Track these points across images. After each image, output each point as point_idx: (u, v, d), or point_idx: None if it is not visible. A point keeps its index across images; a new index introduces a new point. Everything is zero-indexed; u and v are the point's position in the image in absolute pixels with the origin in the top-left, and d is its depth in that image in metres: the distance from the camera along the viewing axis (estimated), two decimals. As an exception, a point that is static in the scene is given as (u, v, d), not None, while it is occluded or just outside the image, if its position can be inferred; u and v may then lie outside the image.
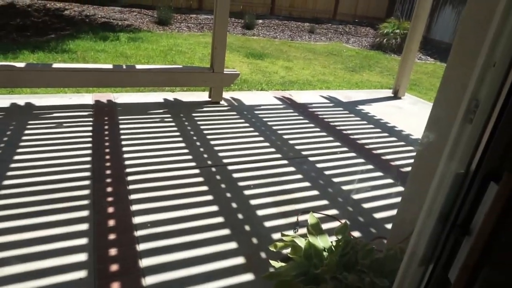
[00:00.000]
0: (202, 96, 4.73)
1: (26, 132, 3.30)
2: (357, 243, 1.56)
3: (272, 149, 3.55)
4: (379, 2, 13.84)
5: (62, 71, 3.81)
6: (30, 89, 4.27)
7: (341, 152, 3.65)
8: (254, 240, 2.31)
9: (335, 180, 3.14)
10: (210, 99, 4.59)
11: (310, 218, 1.74)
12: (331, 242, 1.65)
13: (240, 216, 2.52)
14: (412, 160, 3.63)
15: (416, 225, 0.90)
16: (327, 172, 3.25)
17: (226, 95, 4.83)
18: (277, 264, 1.58)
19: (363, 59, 8.89)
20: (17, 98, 4.02)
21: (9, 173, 2.67)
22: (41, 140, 3.21)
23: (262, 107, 4.64)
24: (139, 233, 2.23)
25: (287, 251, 1.71)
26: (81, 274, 1.90)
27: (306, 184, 3.03)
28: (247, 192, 2.80)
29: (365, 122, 4.62)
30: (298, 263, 1.50)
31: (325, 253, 1.52)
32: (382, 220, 2.68)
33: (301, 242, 1.56)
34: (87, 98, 4.26)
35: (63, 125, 3.51)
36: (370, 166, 3.47)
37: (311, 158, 3.45)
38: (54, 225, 2.22)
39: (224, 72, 4.42)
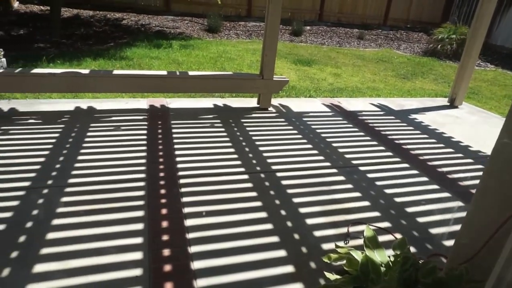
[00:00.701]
0: (251, 102, 4.78)
1: (88, 134, 3.52)
2: (417, 260, 1.48)
3: (321, 157, 3.49)
4: (434, 6, 13.25)
5: (121, 77, 4.04)
6: (91, 93, 4.56)
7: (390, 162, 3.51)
8: (303, 249, 2.28)
9: (387, 191, 3.02)
10: (258, 106, 4.63)
11: (367, 230, 1.68)
12: (389, 257, 1.58)
13: (289, 224, 2.50)
14: (473, 174, 3.44)
15: (504, 249, 0.84)
16: (378, 183, 3.13)
17: (275, 101, 4.85)
18: (332, 276, 1.55)
19: (415, 65, 8.54)
20: (80, 102, 4.32)
21: (74, 172, 2.86)
22: (101, 142, 3.41)
23: (310, 114, 4.60)
24: (191, 235, 2.29)
25: (341, 263, 1.67)
26: (137, 272, 1.98)
27: (357, 194, 2.95)
28: (296, 200, 2.77)
29: (418, 131, 4.42)
30: (354, 277, 1.45)
31: (382, 268, 1.46)
32: (439, 236, 2.53)
33: (357, 255, 1.51)
34: (142, 102, 4.47)
35: (120, 128, 3.70)
36: (424, 178, 3.30)
37: (361, 168, 3.36)
38: (112, 223, 2.34)
39: (274, 78, 4.44)
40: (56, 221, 2.31)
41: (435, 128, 4.57)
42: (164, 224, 2.37)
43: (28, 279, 1.87)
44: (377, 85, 6.53)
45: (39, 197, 2.53)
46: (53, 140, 3.33)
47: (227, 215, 2.52)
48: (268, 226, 2.46)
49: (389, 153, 3.73)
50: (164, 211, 2.49)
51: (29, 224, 2.26)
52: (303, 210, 2.67)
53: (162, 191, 2.71)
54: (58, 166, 2.93)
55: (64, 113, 3.94)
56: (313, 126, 4.21)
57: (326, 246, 2.32)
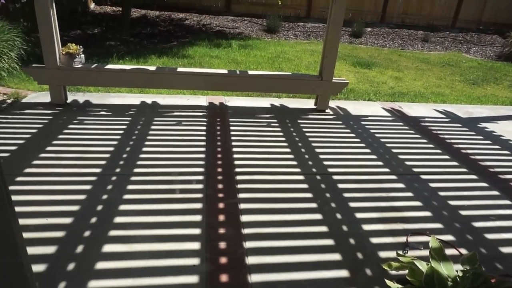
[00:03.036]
0: (308, 103, 4.75)
1: (152, 127, 3.73)
2: (489, 278, 1.37)
3: (380, 163, 3.38)
4: None
5: (184, 75, 4.21)
6: (156, 89, 4.81)
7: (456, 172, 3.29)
8: (359, 255, 2.22)
9: (452, 203, 2.84)
10: (315, 107, 4.59)
11: (432, 241, 1.59)
12: (456, 271, 1.49)
13: (344, 228, 2.45)
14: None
15: None
16: (442, 193, 2.96)
17: (332, 103, 4.77)
18: (393, 284, 1.49)
19: (487, 71, 7.92)
20: (145, 97, 4.58)
21: (139, 162, 3.05)
22: (164, 135, 3.58)
23: (369, 118, 4.46)
24: (246, 231, 2.33)
25: (401, 272, 1.60)
26: (195, 261, 2.06)
27: (417, 203, 2.81)
28: (352, 204, 2.71)
29: (489, 141, 4.09)
30: (418, 288, 1.39)
31: (449, 283, 1.38)
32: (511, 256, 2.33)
33: (422, 266, 1.44)
34: (202, 100, 4.64)
35: (181, 123, 3.87)
36: (495, 192, 3.06)
37: (423, 176, 3.19)
38: (172, 213, 2.46)
39: (333, 80, 4.37)
40: (122, 207, 2.48)
41: (508, 138, 4.21)
42: (221, 217, 2.44)
43: (98, 257, 2.03)
44: (442, 91, 6.16)
45: (108, 183, 2.73)
46: (121, 131, 3.57)
47: (282, 214, 2.53)
48: (323, 228, 2.43)
49: (455, 163, 3.50)
50: (221, 205, 2.57)
51: (99, 207, 2.45)
52: (359, 215, 2.60)
53: (220, 186, 2.79)
54: (125, 155, 3.13)
55: (131, 106, 4.20)
56: (372, 130, 4.08)
57: (383, 254, 2.24)
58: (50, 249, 2.06)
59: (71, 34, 7.74)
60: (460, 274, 1.45)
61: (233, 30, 9.61)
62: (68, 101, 4.19)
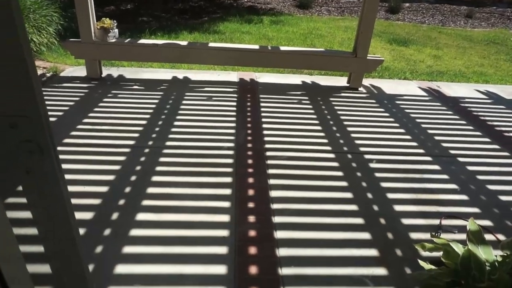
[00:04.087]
0: (340, 81, 4.62)
1: (183, 102, 3.76)
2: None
3: (414, 143, 3.26)
4: None
5: (216, 50, 4.19)
6: (187, 64, 4.83)
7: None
8: (389, 235, 2.18)
9: (491, 187, 2.71)
10: (348, 85, 4.46)
11: (471, 224, 1.53)
12: (495, 256, 1.43)
13: (375, 207, 2.40)
14: None
15: None
16: (480, 177, 2.83)
17: (366, 82, 4.61)
18: (426, 265, 1.45)
19: (536, 50, 7.36)
20: (177, 72, 4.61)
21: (170, 136, 3.10)
22: (194, 110, 3.61)
23: (404, 97, 4.29)
24: (275, 206, 2.34)
25: (436, 254, 1.56)
26: (224, 233, 2.10)
27: (453, 186, 2.70)
28: (384, 184, 2.64)
29: (534, 125, 3.84)
30: (453, 270, 1.34)
31: (487, 267, 1.33)
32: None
33: (458, 248, 1.39)
34: (232, 75, 4.61)
35: (212, 99, 3.88)
36: (539, 178, 2.89)
37: (461, 159, 3.05)
38: (202, 186, 2.49)
39: (367, 57, 4.21)
40: (154, 178, 2.54)
41: (556, 122, 3.94)
42: (250, 192, 2.45)
43: (132, 225, 2.11)
44: (485, 70, 5.80)
45: (142, 155, 2.80)
46: (153, 106, 3.63)
47: (311, 191, 2.52)
48: (353, 207, 2.40)
49: (496, 146, 3.33)
50: (250, 180, 2.58)
51: (133, 178, 2.52)
52: (391, 195, 2.54)
53: (249, 161, 2.80)
54: (157, 129, 3.19)
55: (163, 81, 4.25)
56: (407, 110, 3.92)
57: (414, 235, 2.19)
58: (87, 215, 2.16)
59: (105, 9, 7.85)
60: (499, 259, 1.39)
61: (264, 5, 9.41)
62: (103, 75, 4.29)
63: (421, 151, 3.15)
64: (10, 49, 0.72)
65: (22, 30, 0.70)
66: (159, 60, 4.51)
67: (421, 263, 1.42)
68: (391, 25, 8.54)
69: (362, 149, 3.10)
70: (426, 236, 2.18)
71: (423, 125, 3.60)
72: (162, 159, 2.77)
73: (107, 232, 2.05)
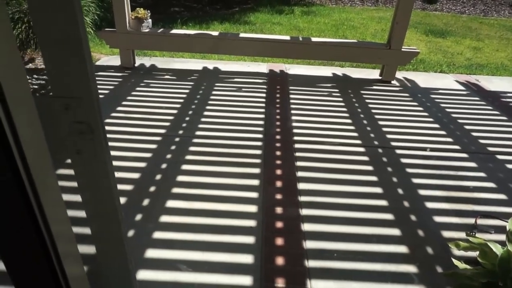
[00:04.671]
0: (372, 73, 4.51)
1: (213, 92, 3.79)
2: None
3: (449, 139, 3.14)
4: None
5: (247, 41, 4.18)
6: (217, 55, 4.85)
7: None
8: (420, 232, 2.13)
9: (532, 187, 2.58)
10: (380, 78, 4.34)
11: (511, 224, 1.46)
12: (536, 258, 1.36)
13: (406, 204, 2.35)
14: None
15: None
16: (520, 176, 2.69)
17: (399, 74, 4.47)
18: (460, 264, 1.41)
19: None
20: (207, 62, 4.65)
21: (200, 125, 3.14)
22: (224, 100, 3.64)
23: (440, 91, 4.13)
24: (302, 198, 2.33)
25: (471, 254, 1.50)
26: (251, 223, 2.12)
27: (490, 184, 2.59)
28: (415, 180, 2.57)
29: None
30: (489, 271, 1.29)
31: (526, 269, 1.27)
32: None
33: (496, 249, 1.33)
34: (262, 67, 4.60)
35: (241, 89, 3.89)
36: None
37: (500, 156, 2.92)
38: (231, 176, 2.52)
39: (402, 49, 4.07)
40: (184, 167, 2.59)
41: None
42: (278, 184, 2.46)
43: (161, 211, 2.17)
44: (529, 64, 5.47)
45: (172, 144, 2.86)
46: (184, 95, 3.68)
47: (340, 184, 2.49)
48: (383, 202, 2.35)
49: (538, 144, 3.15)
50: (278, 171, 2.58)
51: (163, 166, 2.59)
52: (423, 192, 2.47)
53: (278, 153, 2.80)
54: (187, 118, 3.24)
55: (193, 71, 4.30)
56: (442, 105, 3.78)
57: (447, 233, 2.12)
58: (120, 200, 2.23)
59: (138, 0, 8.00)
60: (540, 262, 1.32)
61: (296, -5, 9.27)
62: (136, 64, 4.40)
63: (457, 147, 3.03)
64: (72, 42, 0.76)
65: (82, 25, 0.75)
66: (191, 51, 4.56)
67: (455, 262, 1.38)
68: (428, 15, 8.21)
69: (393, 143, 3.02)
70: (459, 235, 2.11)
71: (460, 121, 3.46)
72: (191, 148, 2.82)
73: (138, 217, 2.12)
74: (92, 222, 1.07)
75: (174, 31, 4.32)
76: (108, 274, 1.19)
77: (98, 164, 0.91)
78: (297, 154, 2.80)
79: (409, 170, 2.68)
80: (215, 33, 4.29)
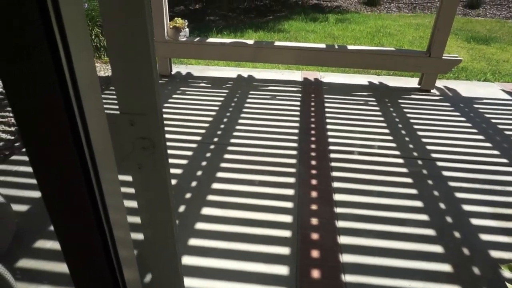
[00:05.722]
0: (410, 82, 4.37)
1: (248, 100, 3.82)
2: None
3: (496, 152, 2.97)
4: None
5: (282, 49, 4.18)
6: (251, 63, 4.89)
7: None
8: (465, 251, 2.01)
9: None
10: (419, 86, 4.20)
11: None
12: None
13: (448, 219, 2.23)
14: None
15: None
16: None
17: (439, 83, 4.31)
18: (514, 289, 1.31)
19: None
20: (241, 70, 4.69)
21: (235, 133, 3.16)
22: (258, 108, 3.65)
23: (484, 100, 3.94)
24: (338, 210, 2.28)
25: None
26: (287, 233, 2.09)
27: (542, 202, 2.42)
28: (459, 195, 2.45)
29: None
30: (548, 298, 1.19)
31: None
32: None
33: (555, 274, 1.23)
34: (296, 75, 4.58)
35: (276, 98, 3.89)
36: None
37: (552, 172, 2.72)
38: (265, 185, 2.51)
39: (443, 57, 3.92)
40: (219, 174, 2.61)
41: None
42: (313, 194, 2.42)
43: (197, 218, 2.19)
44: None
45: (207, 151, 2.89)
46: (219, 103, 3.73)
47: (378, 197, 2.41)
48: (423, 217, 2.25)
49: None
50: (314, 181, 2.54)
51: (199, 173, 2.62)
52: (467, 207, 2.34)
53: (313, 162, 2.76)
54: (222, 126, 3.27)
55: (228, 79, 4.35)
56: (487, 115, 3.59)
57: (495, 253, 2.00)
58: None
59: (175, 9, 8.24)
60: None
61: (330, 3, 9.21)
62: (173, 72, 4.51)
63: (504, 160, 2.86)
64: (142, 57, 0.78)
65: (152, 40, 0.76)
66: (226, 59, 4.62)
67: (509, 286, 1.28)
68: (470, 21, 7.88)
69: (434, 155, 2.90)
70: (509, 255, 1.97)
71: (507, 132, 3.27)
72: (226, 156, 2.83)
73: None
74: (146, 229, 1.09)
75: (210, 39, 4.40)
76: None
77: (157, 178, 0.92)
78: (333, 164, 2.75)
79: (452, 184, 2.56)
80: (250, 42, 4.33)
